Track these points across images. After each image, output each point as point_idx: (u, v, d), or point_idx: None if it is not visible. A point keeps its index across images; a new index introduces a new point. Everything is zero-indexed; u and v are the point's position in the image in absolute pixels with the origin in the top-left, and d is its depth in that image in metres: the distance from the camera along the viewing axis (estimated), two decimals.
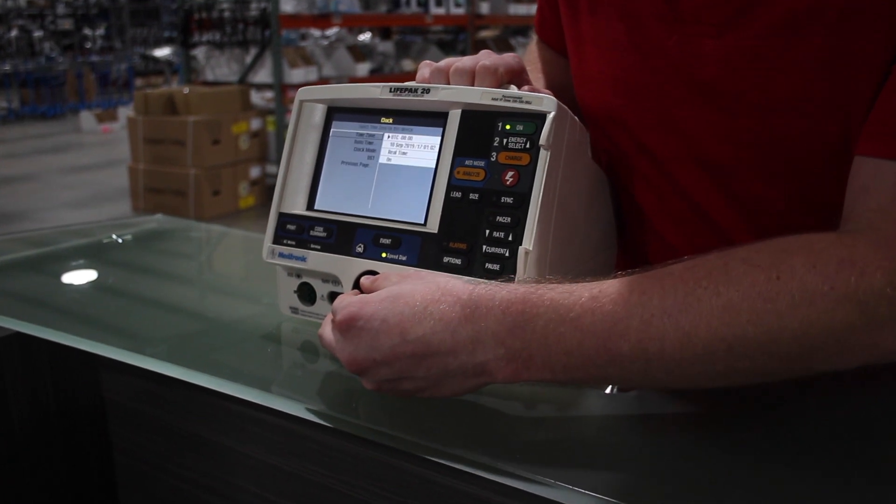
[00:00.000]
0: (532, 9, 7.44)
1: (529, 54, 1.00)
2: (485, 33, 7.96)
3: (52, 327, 0.86)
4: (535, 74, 0.95)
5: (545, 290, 0.58)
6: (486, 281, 0.62)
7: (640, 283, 0.57)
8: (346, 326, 0.61)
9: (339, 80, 5.82)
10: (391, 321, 0.60)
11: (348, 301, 0.62)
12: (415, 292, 0.60)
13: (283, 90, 5.41)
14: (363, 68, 6.14)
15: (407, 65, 6.77)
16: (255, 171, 5.50)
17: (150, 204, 5.31)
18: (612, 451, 0.63)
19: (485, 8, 7.17)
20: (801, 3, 0.63)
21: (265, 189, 5.56)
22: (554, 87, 0.89)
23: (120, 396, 1.02)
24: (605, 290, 0.57)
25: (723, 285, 0.55)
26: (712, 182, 0.73)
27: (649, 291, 0.56)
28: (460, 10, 6.83)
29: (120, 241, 1.17)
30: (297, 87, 5.47)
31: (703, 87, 0.70)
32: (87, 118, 9.13)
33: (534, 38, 1.02)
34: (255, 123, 5.47)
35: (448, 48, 7.19)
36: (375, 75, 6.39)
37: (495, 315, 0.58)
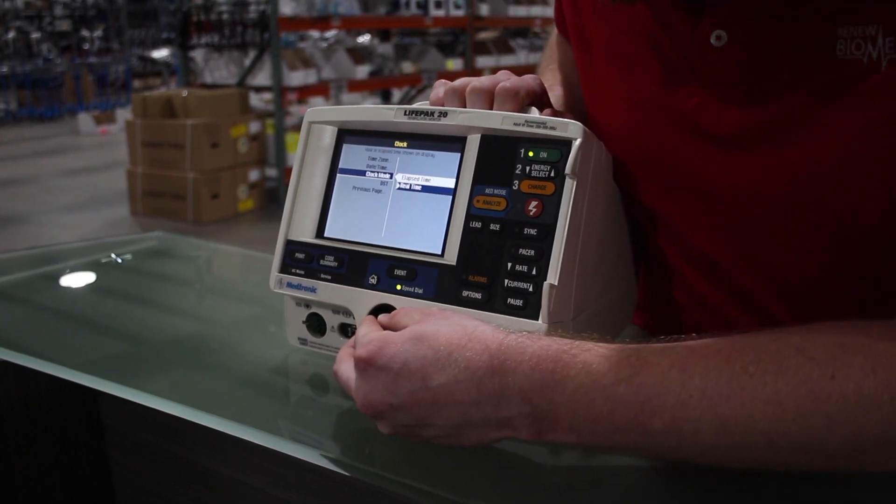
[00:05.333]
0: (532, 10, 7.46)
1: (548, 49, 0.96)
2: (484, 35, 7.92)
3: (49, 356, 0.82)
4: (552, 65, 0.91)
5: (579, 350, 0.54)
6: (515, 329, 0.58)
7: (683, 357, 0.53)
8: (365, 365, 0.58)
9: (338, 82, 5.79)
10: (412, 365, 0.56)
11: (370, 337, 0.59)
12: (439, 334, 0.57)
13: (282, 93, 5.36)
14: (363, 70, 6.10)
15: (406, 67, 6.73)
16: (254, 175, 5.46)
17: (148, 208, 5.27)
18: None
19: (484, 9, 7.13)
20: (835, 75, 0.58)
21: (264, 192, 5.52)
22: (572, 85, 0.86)
23: (119, 423, 0.99)
24: (645, 360, 0.53)
25: (771, 375, 0.50)
26: (732, 245, 0.69)
27: (691, 369, 0.52)
28: (460, 12, 6.79)
29: (119, 260, 1.13)
30: (296, 89, 5.46)
31: (723, 146, 0.65)
32: (85, 120, 9.08)
33: (554, 30, 0.98)
34: (254, 126, 5.43)
35: (447, 50, 7.14)
36: (375, 78, 6.35)
37: (524, 371, 0.54)
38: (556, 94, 0.86)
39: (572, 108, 0.83)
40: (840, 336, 0.51)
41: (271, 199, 5.54)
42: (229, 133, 5.25)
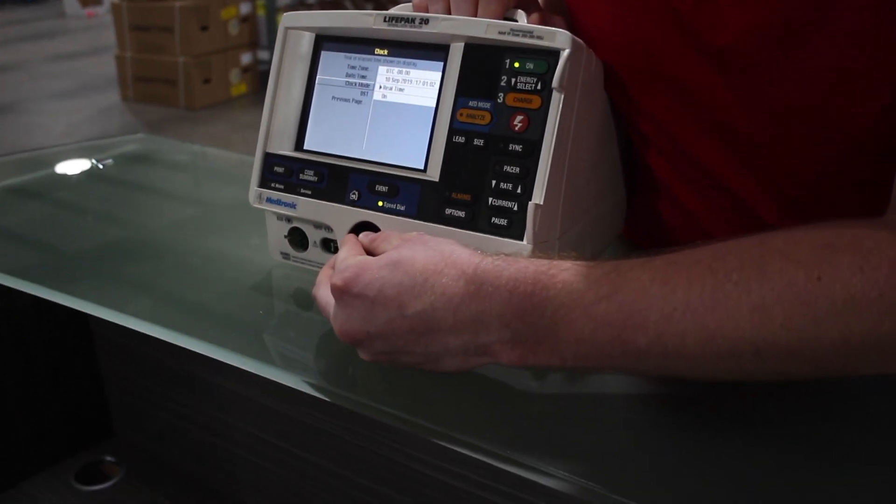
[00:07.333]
0: None
1: None
2: None
3: (31, 277, 0.81)
4: None
5: (557, 269, 0.52)
6: (499, 250, 0.57)
7: (664, 270, 0.50)
8: (340, 293, 0.56)
9: None
10: (388, 292, 0.54)
11: (347, 263, 0.57)
12: (415, 260, 0.55)
13: None
14: None
15: None
16: (246, 58, 5.34)
17: (139, 93, 5.18)
18: (630, 441, 0.58)
19: None
20: None
21: (257, 76, 5.42)
22: None
23: (108, 332, 0.99)
24: (624, 276, 0.51)
25: (755, 282, 0.48)
26: (728, 151, 0.66)
27: (672, 281, 0.49)
28: None
29: (101, 166, 1.10)
30: None
31: (720, 54, 0.62)
32: (70, 2, 8.83)
33: None
34: (245, 8, 5.28)
35: None
36: None
37: (501, 295, 0.52)
38: None
39: (553, 8, 0.79)
40: (825, 236, 0.49)
41: (264, 82, 5.41)
42: (219, 15, 5.11)
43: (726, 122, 0.64)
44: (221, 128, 4.72)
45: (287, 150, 0.72)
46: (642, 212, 0.78)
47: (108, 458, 1.01)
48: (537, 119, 0.61)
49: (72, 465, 1.00)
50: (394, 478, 0.75)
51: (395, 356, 0.57)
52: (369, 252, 0.61)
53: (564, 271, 0.52)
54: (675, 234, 0.75)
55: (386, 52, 0.69)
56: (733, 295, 0.48)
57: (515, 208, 0.61)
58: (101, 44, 6.90)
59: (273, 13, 5.25)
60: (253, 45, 5.38)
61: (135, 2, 5.04)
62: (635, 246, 0.83)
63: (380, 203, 0.67)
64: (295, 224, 0.74)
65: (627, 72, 0.68)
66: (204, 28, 5.02)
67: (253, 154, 0.74)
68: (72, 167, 1.13)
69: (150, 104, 5.11)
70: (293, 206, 0.71)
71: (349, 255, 0.59)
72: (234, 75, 5.27)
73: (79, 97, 5.40)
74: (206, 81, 5.10)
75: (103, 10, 8.46)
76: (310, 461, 0.84)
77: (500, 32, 0.62)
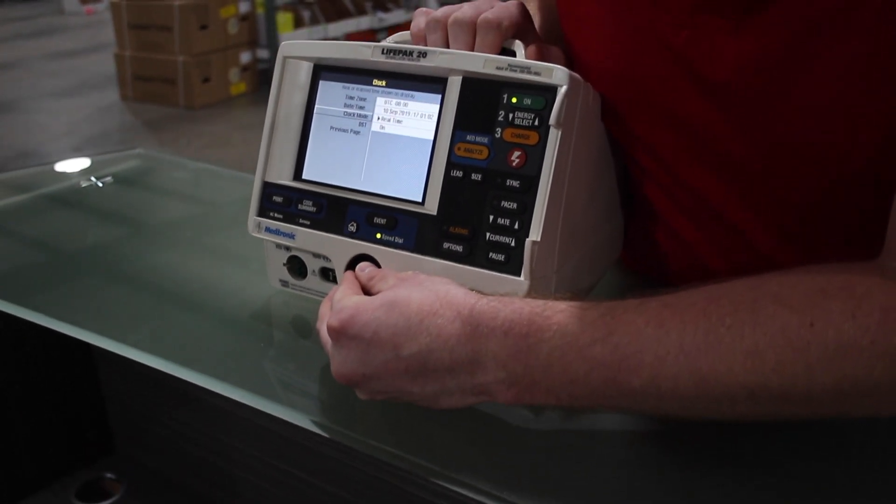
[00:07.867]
0: None
1: None
2: None
3: (30, 295, 0.81)
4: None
5: (552, 311, 0.53)
6: (497, 285, 0.58)
7: (658, 313, 0.51)
8: (337, 335, 0.57)
9: None
10: (383, 334, 0.55)
11: (343, 304, 0.57)
12: (410, 301, 0.55)
13: None
14: None
15: None
16: (245, 57, 5.33)
17: (138, 92, 5.18)
18: (625, 480, 0.59)
19: None
20: (830, 2, 0.54)
21: (256, 74, 5.42)
22: (550, 8, 0.82)
23: (107, 354, 0.99)
24: (619, 318, 0.52)
25: (749, 326, 0.48)
26: (725, 183, 0.66)
27: (667, 324, 0.50)
28: None
29: (100, 184, 1.11)
30: None
31: (716, 88, 0.62)
32: None
33: None
34: (244, 6, 5.27)
35: None
36: None
37: (497, 336, 0.53)
38: (536, 21, 0.82)
39: (550, 34, 0.79)
40: (818, 281, 0.49)
41: (264, 81, 5.42)
42: (218, 14, 5.10)
43: (723, 154, 0.65)
44: (221, 127, 4.72)
45: (286, 180, 0.72)
46: (639, 240, 0.78)
47: (109, 476, 1.01)
48: (535, 155, 0.61)
49: (72, 483, 1.00)
50: (394, 501, 0.75)
51: (393, 395, 0.57)
52: (366, 290, 0.62)
53: (559, 313, 0.53)
54: (671, 263, 0.75)
55: (384, 83, 0.69)
56: (726, 339, 0.49)
57: (513, 244, 0.61)
58: (100, 41, 6.89)
59: (272, 11, 5.25)
60: (252, 43, 5.38)
61: (134, 0, 5.03)
62: (632, 272, 0.84)
63: (378, 235, 0.67)
64: (294, 252, 0.74)
65: (624, 103, 0.69)
66: (203, 27, 5.02)
67: (254, 155, 0.74)
68: (71, 185, 1.14)
69: (150, 103, 5.11)
70: (292, 236, 0.71)
71: (345, 296, 0.59)
72: (234, 74, 5.27)
73: (78, 95, 5.39)
74: (206, 80, 5.10)
75: (102, 7, 8.44)
76: (309, 482, 0.84)
77: (497, 67, 0.63)
